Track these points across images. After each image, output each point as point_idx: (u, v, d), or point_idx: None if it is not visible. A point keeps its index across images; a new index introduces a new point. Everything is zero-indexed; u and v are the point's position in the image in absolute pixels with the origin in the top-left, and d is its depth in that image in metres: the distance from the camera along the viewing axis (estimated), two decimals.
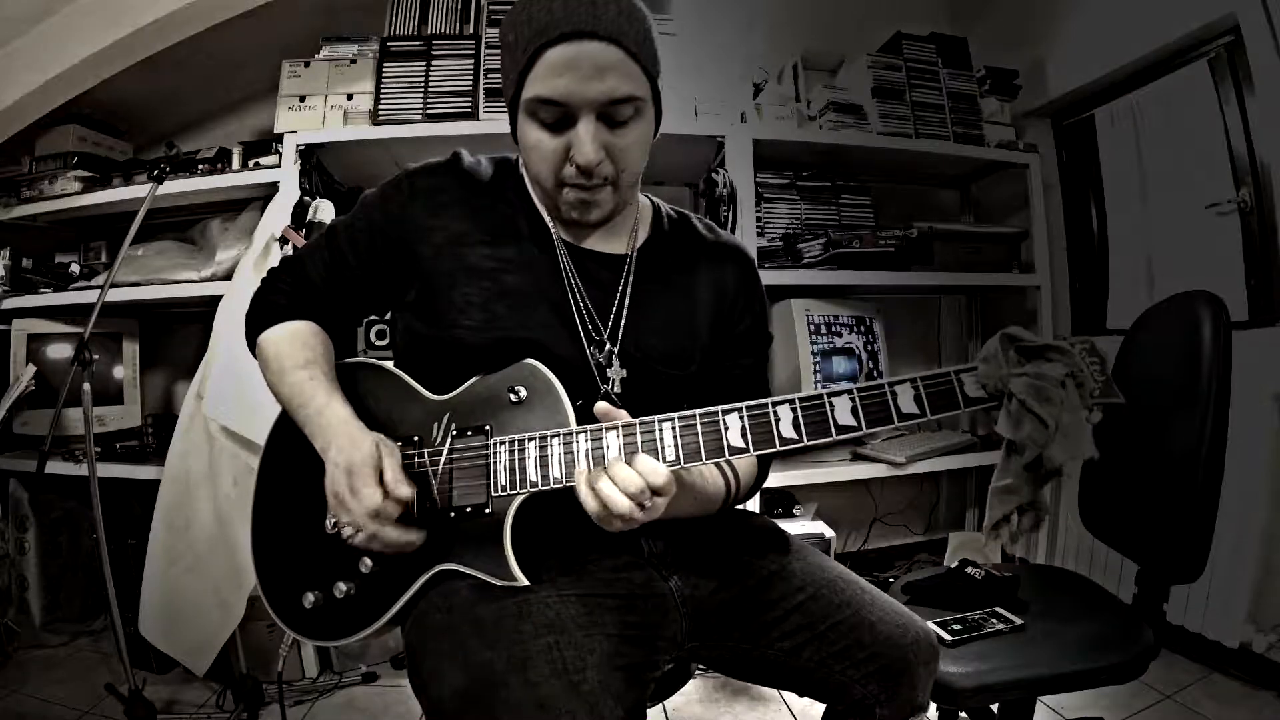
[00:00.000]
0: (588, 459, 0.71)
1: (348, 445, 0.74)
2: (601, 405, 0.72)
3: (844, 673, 0.78)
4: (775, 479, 1.91)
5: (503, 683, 0.63)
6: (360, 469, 0.72)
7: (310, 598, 0.79)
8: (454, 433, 0.78)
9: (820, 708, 0.85)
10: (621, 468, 0.67)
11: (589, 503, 0.68)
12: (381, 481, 0.72)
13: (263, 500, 0.89)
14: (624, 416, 0.72)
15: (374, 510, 0.71)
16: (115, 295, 1.76)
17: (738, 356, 0.96)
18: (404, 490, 0.73)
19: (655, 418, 0.71)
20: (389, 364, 0.88)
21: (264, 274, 0.94)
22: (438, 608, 0.74)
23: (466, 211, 0.84)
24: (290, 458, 0.84)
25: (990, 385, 0.65)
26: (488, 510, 0.75)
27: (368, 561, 0.77)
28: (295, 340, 0.86)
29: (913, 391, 0.67)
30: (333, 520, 0.79)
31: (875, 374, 2.15)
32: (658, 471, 0.67)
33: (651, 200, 0.98)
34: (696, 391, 0.87)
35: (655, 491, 0.67)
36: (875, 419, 0.67)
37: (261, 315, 0.89)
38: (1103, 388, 0.66)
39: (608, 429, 0.72)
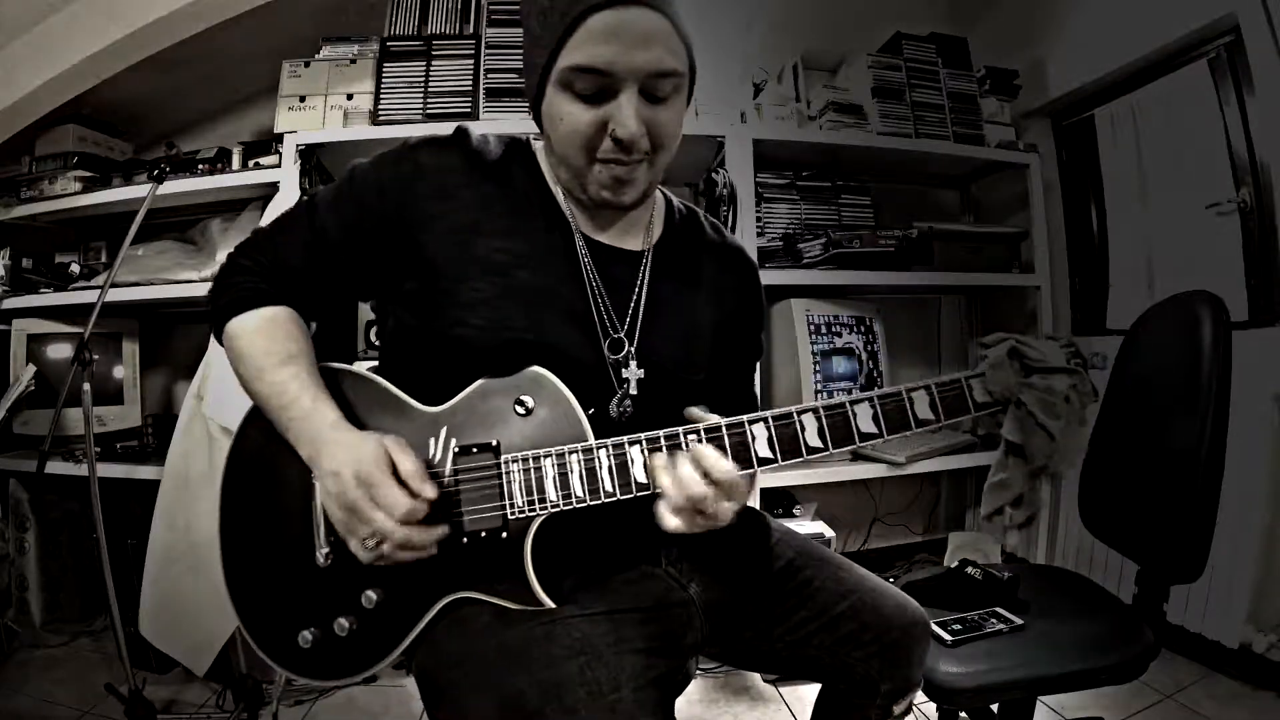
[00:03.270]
0: (611, 475, 0.70)
1: (344, 452, 0.68)
2: (692, 410, 0.72)
3: (849, 654, 0.81)
4: (775, 479, 1.91)
5: (538, 710, 0.61)
6: (374, 473, 0.66)
7: (307, 636, 0.72)
8: (456, 449, 0.72)
9: None
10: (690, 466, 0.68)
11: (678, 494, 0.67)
12: (399, 480, 0.67)
13: (234, 533, 0.79)
14: (713, 418, 0.70)
15: (405, 514, 0.65)
16: (115, 295, 1.76)
17: (736, 362, 0.95)
18: (429, 487, 0.67)
19: (679, 429, 0.70)
20: (367, 370, 0.80)
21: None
22: (456, 637, 0.70)
23: (477, 197, 0.77)
24: (264, 481, 0.78)
25: (998, 392, 0.68)
26: (504, 534, 0.71)
27: (371, 595, 0.71)
28: (275, 331, 0.77)
29: (928, 398, 0.69)
30: (325, 551, 0.73)
31: (875, 374, 2.15)
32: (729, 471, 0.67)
33: (664, 193, 0.93)
34: (702, 396, 0.83)
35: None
36: (895, 425, 0.69)
37: (231, 300, 0.79)
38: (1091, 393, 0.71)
39: (630, 442, 0.70)
